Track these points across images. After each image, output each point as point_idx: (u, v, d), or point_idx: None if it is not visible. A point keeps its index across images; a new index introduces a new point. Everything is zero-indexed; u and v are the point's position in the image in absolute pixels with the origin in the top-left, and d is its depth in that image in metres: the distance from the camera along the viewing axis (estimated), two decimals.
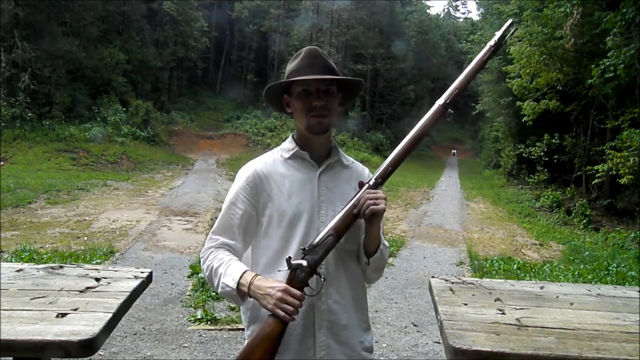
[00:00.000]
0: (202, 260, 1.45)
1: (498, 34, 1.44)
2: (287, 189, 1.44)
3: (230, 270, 1.36)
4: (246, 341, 1.43)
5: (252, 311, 1.45)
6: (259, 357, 1.31)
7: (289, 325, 1.33)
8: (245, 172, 1.49)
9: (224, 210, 1.47)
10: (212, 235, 1.47)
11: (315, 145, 1.48)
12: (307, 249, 1.35)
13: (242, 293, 1.33)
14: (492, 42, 1.44)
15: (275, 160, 1.50)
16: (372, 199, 1.35)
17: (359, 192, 1.39)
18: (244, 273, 1.34)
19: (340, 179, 1.50)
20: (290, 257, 1.35)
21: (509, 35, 1.45)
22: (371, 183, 1.40)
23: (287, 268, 1.34)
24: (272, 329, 1.30)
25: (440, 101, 1.44)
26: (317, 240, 1.36)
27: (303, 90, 1.42)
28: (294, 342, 1.39)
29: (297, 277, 1.33)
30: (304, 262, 1.34)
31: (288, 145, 1.51)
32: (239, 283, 1.33)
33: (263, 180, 1.45)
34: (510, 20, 1.47)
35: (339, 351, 1.43)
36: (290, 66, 1.47)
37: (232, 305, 4.42)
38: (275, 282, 1.32)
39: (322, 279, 1.37)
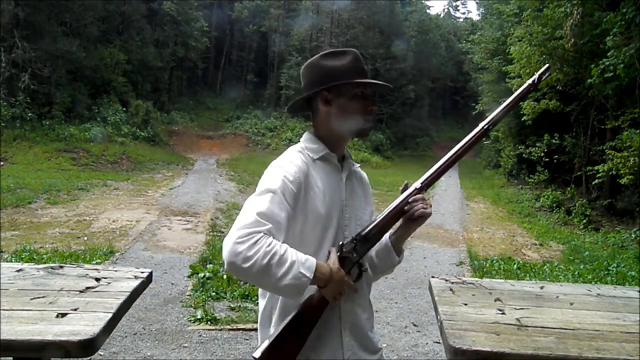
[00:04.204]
0: (248, 243, 1.17)
1: (537, 74, 1.53)
2: (322, 191, 1.39)
3: (302, 258, 1.25)
4: (287, 317, 1.35)
5: (282, 307, 1.39)
6: (304, 331, 1.32)
7: (323, 326, 1.36)
8: (288, 169, 1.35)
9: (270, 197, 1.27)
10: (258, 217, 1.22)
11: (341, 148, 1.49)
12: (358, 239, 1.38)
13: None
14: (530, 81, 1.53)
15: (305, 160, 1.42)
16: (424, 203, 1.42)
17: (406, 193, 1.44)
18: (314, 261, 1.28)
19: (358, 183, 1.55)
20: (342, 244, 1.37)
21: (545, 76, 1.54)
22: (418, 187, 1.45)
23: (337, 254, 1.36)
24: (318, 304, 1.33)
25: (482, 124, 1.51)
26: (365, 232, 1.39)
27: (361, 92, 1.43)
28: (328, 341, 1.40)
29: (346, 267, 1.36)
30: (354, 253, 1.37)
31: (314, 145, 1.45)
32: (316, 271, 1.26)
33: (303, 180, 1.36)
34: (547, 65, 1.60)
35: (360, 351, 1.45)
36: (337, 63, 1.42)
37: (232, 305, 4.42)
38: (334, 266, 1.32)
39: (365, 270, 1.43)
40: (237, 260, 1.16)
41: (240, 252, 1.16)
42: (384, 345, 3.87)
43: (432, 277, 2.04)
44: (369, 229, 1.39)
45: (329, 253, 1.37)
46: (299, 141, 1.50)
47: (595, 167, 11.29)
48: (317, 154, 1.43)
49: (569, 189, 14.73)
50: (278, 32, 35.09)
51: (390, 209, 1.42)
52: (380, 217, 1.41)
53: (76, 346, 1.30)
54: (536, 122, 15.46)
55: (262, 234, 1.19)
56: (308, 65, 1.48)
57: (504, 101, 1.52)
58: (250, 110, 31.45)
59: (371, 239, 1.40)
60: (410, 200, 1.42)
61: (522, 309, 1.70)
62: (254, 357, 1.28)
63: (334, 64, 1.42)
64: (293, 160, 1.38)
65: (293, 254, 1.23)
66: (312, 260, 1.25)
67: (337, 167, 1.47)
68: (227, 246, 1.18)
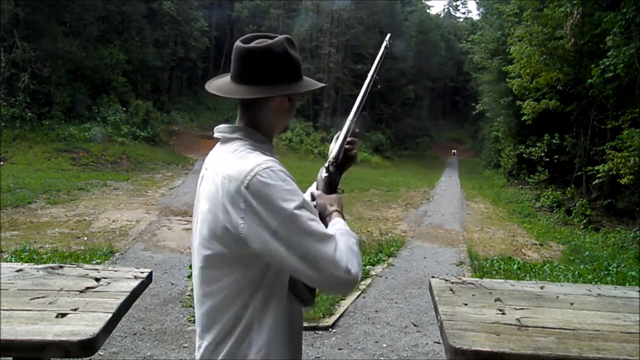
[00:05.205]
0: (353, 265, 1.13)
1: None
2: None
3: (341, 227, 1.24)
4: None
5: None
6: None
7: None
8: (284, 170, 1.19)
9: (309, 213, 1.14)
10: (330, 234, 1.15)
11: None
12: (334, 162, 1.43)
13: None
14: (384, 45, 1.63)
15: None
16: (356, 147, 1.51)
17: (347, 124, 1.48)
18: (335, 220, 1.28)
19: None
20: (328, 167, 1.42)
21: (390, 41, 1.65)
22: (354, 119, 1.51)
23: (326, 174, 1.41)
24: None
25: (369, 77, 1.57)
26: (335, 155, 1.44)
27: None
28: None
29: (334, 186, 1.42)
30: (338, 174, 1.43)
31: (264, 144, 1.29)
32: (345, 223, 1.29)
33: None
34: (389, 35, 1.69)
35: None
36: (298, 56, 1.30)
37: None
38: (334, 202, 1.35)
39: (342, 192, 1.45)
40: (358, 277, 1.15)
41: (357, 273, 1.14)
42: (384, 345, 3.87)
43: (432, 277, 2.04)
44: (335, 153, 1.45)
45: (321, 179, 1.42)
46: (238, 137, 1.26)
47: (596, 167, 11.30)
48: (269, 150, 1.28)
49: (569, 189, 14.74)
50: (278, 32, 35.06)
51: (344, 134, 1.47)
52: (339, 143, 1.46)
53: (76, 346, 1.30)
54: (536, 122, 15.48)
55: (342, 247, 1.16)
56: (269, 51, 1.23)
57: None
58: None
59: (341, 162, 1.46)
60: (349, 140, 1.48)
61: (522, 309, 1.69)
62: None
63: (298, 57, 1.30)
64: (272, 159, 1.21)
65: (344, 231, 1.22)
66: (340, 221, 1.27)
67: None
68: (349, 277, 1.12)
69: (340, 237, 1.17)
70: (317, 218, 1.16)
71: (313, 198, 1.37)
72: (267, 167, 1.14)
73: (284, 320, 1.25)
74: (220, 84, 1.33)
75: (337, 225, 1.24)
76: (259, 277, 1.18)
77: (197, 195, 1.32)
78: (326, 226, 1.24)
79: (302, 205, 1.12)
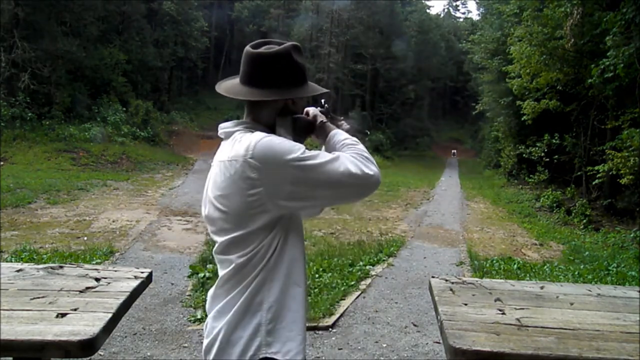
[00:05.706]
0: (363, 167, 1.29)
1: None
2: None
3: (341, 137, 1.41)
4: None
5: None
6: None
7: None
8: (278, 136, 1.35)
9: (312, 151, 1.29)
10: (336, 155, 1.29)
11: None
12: (327, 108, 1.55)
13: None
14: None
15: None
16: None
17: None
18: (334, 132, 1.44)
19: None
20: (324, 104, 1.56)
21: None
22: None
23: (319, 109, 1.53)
24: None
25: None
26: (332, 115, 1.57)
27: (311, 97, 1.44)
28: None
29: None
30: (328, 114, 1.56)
31: (262, 131, 1.37)
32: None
33: None
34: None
35: None
36: (303, 62, 1.39)
37: None
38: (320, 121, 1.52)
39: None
40: (377, 173, 1.30)
41: (375, 170, 1.30)
42: (384, 345, 3.87)
43: (432, 277, 2.04)
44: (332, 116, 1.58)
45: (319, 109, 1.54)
46: (238, 129, 1.36)
47: (596, 167, 11.29)
48: None
49: (569, 189, 14.73)
50: (278, 32, 35.14)
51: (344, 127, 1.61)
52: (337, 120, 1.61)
53: (76, 346, 1.30)
54: (536, 122, 15.48)
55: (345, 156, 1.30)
56: (277, 57, 1.33)
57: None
58: None
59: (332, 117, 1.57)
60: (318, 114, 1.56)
61: (522, 309, 1.69)
62: None
63: (304, 63, 1.39)
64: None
65: (347, 143, 1.37)
66: (337, 132, 1.43)
67: None
68: (371, 176, 1.27)
69: (347, 149, 1.32)
70: (319, 151, 1.28)
71: (307, 113, 1.50)
72: (263, 137, 1.25)
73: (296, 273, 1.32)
74: (229, 86, 1.43)
75: (336, 137, 1.40)
76: (278, 234, 1.29)
77: (206, 184, 1.40)
78: (322, 135, 1.44)
79: (304, 149, 1.24)
